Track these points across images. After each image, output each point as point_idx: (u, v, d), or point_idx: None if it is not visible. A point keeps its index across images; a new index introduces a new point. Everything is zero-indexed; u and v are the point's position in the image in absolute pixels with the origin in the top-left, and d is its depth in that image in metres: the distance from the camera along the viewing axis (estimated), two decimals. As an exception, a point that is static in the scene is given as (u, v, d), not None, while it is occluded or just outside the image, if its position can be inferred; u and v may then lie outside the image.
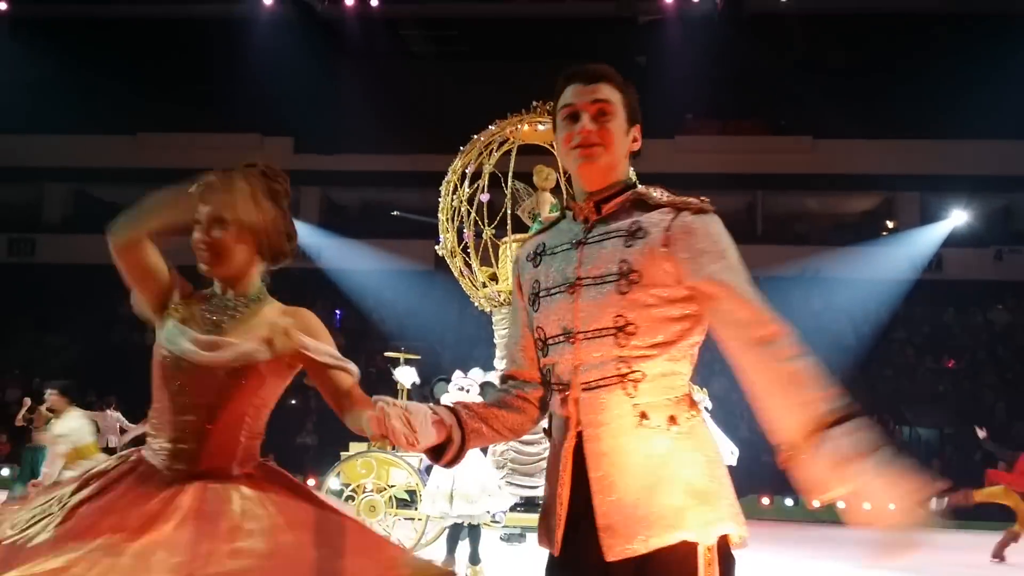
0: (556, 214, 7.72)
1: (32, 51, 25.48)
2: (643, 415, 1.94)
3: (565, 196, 8.42)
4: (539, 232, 2.27)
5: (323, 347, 2.44)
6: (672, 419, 1.95)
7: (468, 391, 7.35)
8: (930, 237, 24.89)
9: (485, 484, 7.07)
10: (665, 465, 1.92)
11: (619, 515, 1.90)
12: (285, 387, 2.49)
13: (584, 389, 1.98)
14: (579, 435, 1.99)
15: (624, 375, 1.95)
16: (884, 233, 26.79)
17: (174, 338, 2.37)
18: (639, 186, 2.11)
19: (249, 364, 2.36)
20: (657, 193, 2.06)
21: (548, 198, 8.17)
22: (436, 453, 2.08)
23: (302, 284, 24.99)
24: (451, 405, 2.11)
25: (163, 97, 25.20)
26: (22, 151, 25.70)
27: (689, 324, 1.98)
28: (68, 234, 26.76)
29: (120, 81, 24.53)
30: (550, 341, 2.07)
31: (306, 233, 26.12)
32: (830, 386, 1.83)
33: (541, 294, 2.10)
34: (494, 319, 8.28)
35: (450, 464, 2.11)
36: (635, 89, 2.12)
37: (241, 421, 2.39)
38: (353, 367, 2.45)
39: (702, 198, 2.05)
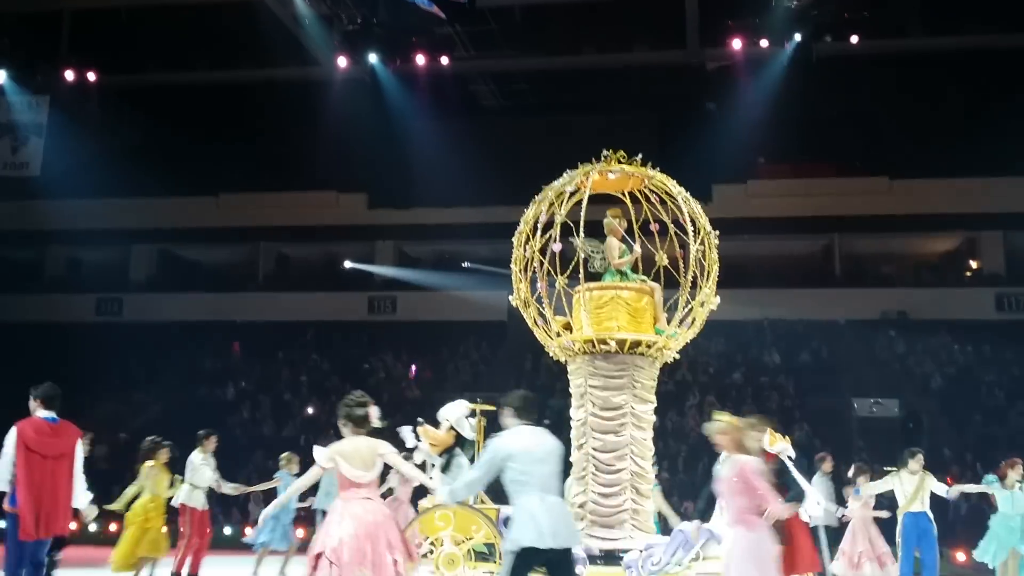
0: (629, 257, 7.58)
1: (120, 119, 26.58)
2: None
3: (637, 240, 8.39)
4: None
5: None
6: None
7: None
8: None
9: None
10: None
11: None
12: None
13: None
14: None
15: None
16: (967, 273, 26.11)
17: None
18: None
19: None
20: None
21: (615, 243, 8.09)
22: None
23: (376, 336, 25.33)
24: None
25: (242, 158, 25.99)
26: (110, 214, 26.63)
27: None
28: (153, 293, 27.58)
29: (202, 144, 25.39)
30: None
31: (381, 284, 26.63)
32: None
33: None
34: (569, 368, 8.22)
35: None
36: None
37: None
38: None
39: None
